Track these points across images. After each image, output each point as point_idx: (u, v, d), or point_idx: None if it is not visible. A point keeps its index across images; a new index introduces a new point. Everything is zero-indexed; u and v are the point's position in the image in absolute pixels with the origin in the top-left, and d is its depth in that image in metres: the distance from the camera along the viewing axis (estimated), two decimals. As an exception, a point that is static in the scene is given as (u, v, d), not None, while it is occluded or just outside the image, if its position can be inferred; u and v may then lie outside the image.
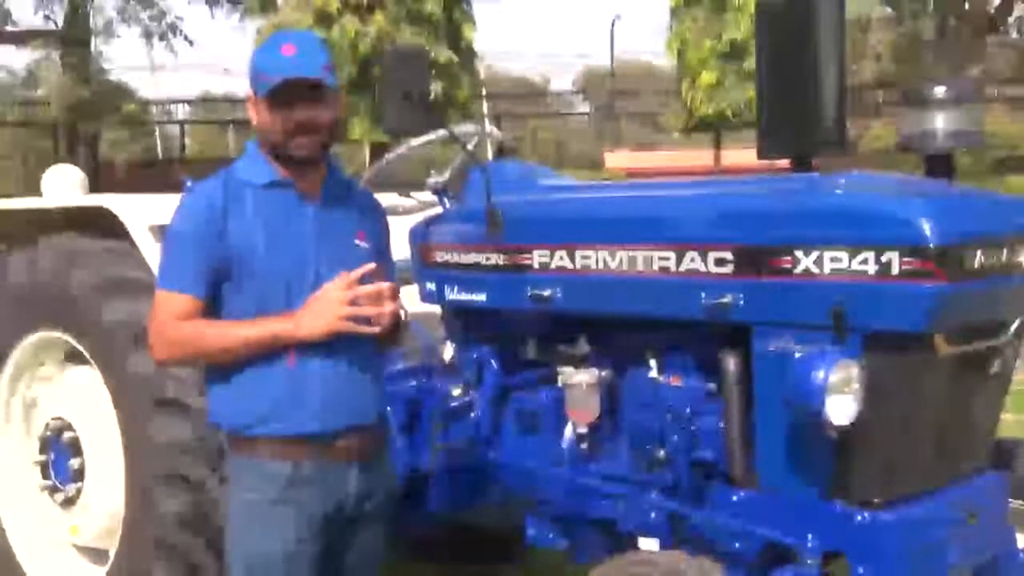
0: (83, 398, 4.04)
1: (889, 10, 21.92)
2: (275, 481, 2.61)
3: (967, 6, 19.85)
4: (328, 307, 2.55)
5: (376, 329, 2.59)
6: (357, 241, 2.72)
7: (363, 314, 2.57)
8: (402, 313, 2.70)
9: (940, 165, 3.16)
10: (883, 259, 2.59)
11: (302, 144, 2.59)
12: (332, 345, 2.60)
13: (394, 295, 2.63)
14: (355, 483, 2.69)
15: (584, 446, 3.26)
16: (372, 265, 2.61)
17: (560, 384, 3.27)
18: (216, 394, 2.69)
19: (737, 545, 2.84)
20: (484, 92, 24.51)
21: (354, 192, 2.84)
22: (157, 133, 29.05)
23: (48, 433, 4.13)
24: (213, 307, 2.62)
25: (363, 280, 2.60)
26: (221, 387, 2.67)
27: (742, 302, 2.83)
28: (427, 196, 3.86)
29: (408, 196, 3.98)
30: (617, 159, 22.39)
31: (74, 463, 4.02)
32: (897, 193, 2.80)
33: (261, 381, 2.60)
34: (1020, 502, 3.10)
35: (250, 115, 2.67)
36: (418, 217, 3.78)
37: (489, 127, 4.01)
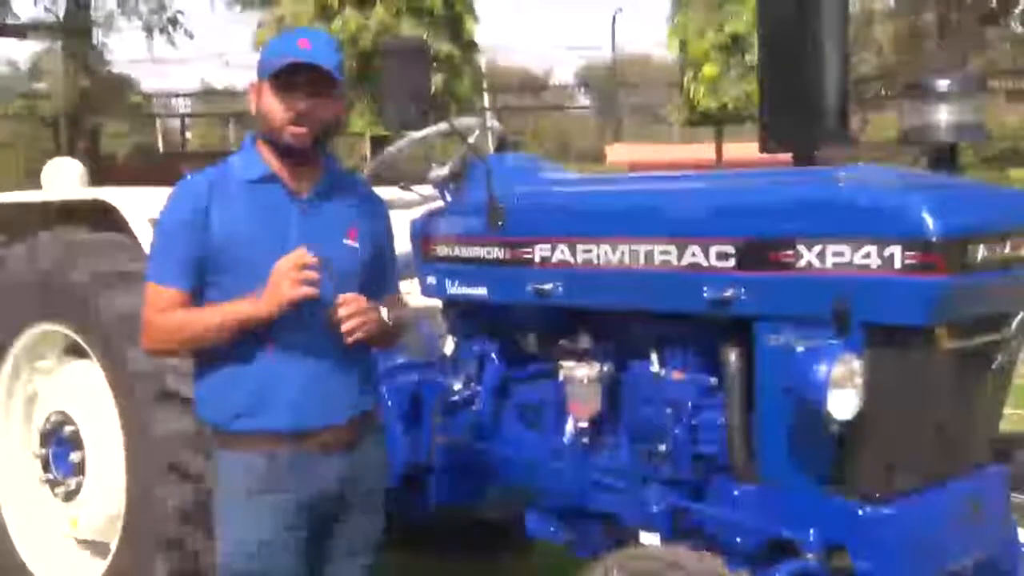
0: (83, 391, 4.04)
1: (891, 2, 21.92)
2: (255, 473, 2.64)
3: (970, -1, 19.83)
4: (280, 279, 2.53)
5: (351, 340, 2.60)
6: (347, 240, 2.71)
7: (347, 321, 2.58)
8: (392, 316, 2.71)
9: (943, 158, 3.16)
10: (886, 252, 2.58)
11: (297, 133, 2.59)
12: (311, 342, 2.62)
13: (374, 306, 2.64)
14: (337, 472, 2.71)
15: (585, 440, 3.25)
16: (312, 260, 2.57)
17: (561, 378, 3.26)
18: (200, 390, 2.73)
19: (739, 539, 2.84)
20: (485, 85, 24.50)
21: (353, 190, 2.82)
22: (158, 126, 29.06)
23: (48, 427, 4.13)
24: (200, 299, 2.63)
25: (353, 288, 2.63)
26: (204, 383, 2.71)
27: (744, 296, 2.82)
28: (428, 189, 3.85)
29: (409, 190, 3.97)
30: (618, 152, 22.38)
31: (74, 456, 4.02)
32: (900, 186, 2.80)
33: (239, 378, 2.63)
34: (1022, 496, 3.10)
35: (250, 100, 2.68)
36: (419, 211, 3.77)
37: (490, 120, 3.99)
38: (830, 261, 2.67)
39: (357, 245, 2.72)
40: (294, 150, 2.62)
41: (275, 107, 2.59)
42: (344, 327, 2.59)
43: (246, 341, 2.61)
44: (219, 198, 2.61)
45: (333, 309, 2.60)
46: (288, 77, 2.56)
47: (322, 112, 2.61)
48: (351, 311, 2.59)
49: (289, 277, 2.53)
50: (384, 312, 2.68)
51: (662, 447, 3.03)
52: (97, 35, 23.29)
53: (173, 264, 2.62)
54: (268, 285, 2.56)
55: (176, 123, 29.71)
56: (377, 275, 2.78)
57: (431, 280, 3.60)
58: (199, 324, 2.62)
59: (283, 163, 2.65)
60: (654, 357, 3.14)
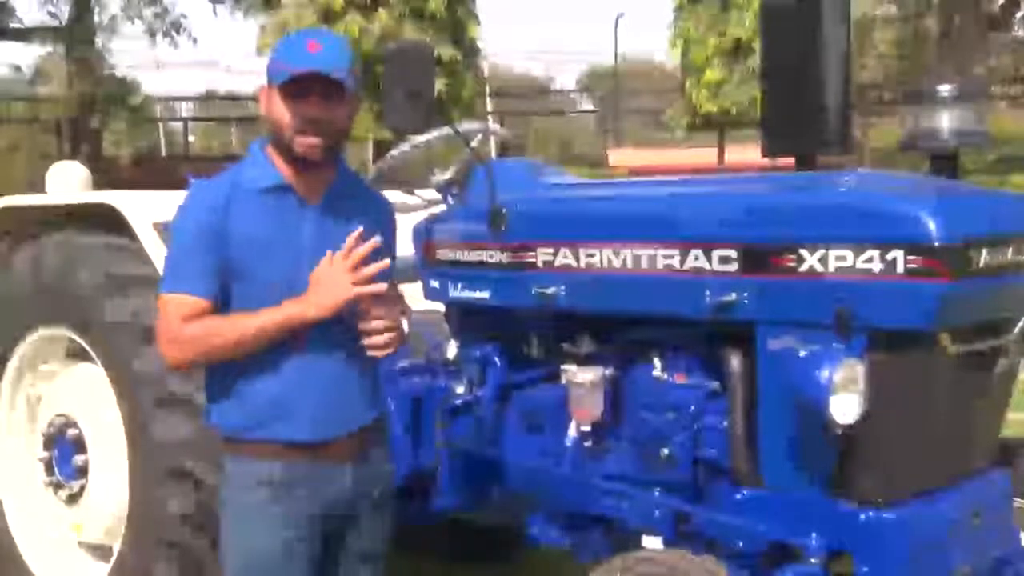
0: (87, 395, 4.05)
1: (894, 8, 21.92)
2: (267, 483, 2.60)
3: (972, 4, 19.82)
4: (335, 280, 2.51)
5: (388, 349, 2.60)
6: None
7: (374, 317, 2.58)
8: (404, 323, 2.70)
9: (945, 164, 3.16)
10: (888, 257, 2.58)
11: (309, 142, 2.54)
12: (331, 350, 2.59)
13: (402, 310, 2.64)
14: (349, 482, 2.69)
15: (588, 444, 3.25)
16: (386, 262, 2.59)
17: (564, 382, 3.26)
18: (212, 397, 2.68)
19: (741, 544, 2.84)
20: (488, 89, 24.52)
21: (363, 197, 2.78)
22: (161, 130, 29.06)
23: (52, 430, 4.13)
24: (221, 308, 2.57)
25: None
26: (217, 390, 2.66)
27: (746, 301, 2.83)
28: (431, 194, 3.86)
29: (412, 194, 3.97)
30: (621, 157, 22.37)
31: (78, 460, 4.03)
32: (902, 191, 2.80)
33: (255, 386, 2.59)
34: (1024, 501, 3.10)
35: (260, 106, 2.64)
36: (422, 215, 3.78)
37: (493, 125, 4.00)
38: (832, 266, 2.67)
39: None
40: (306, 159, 2.58)
41: (285, 115, 2.54)
42: (375, 340, 2.57)
43: (268, 350, 2.57)
44: (235, 207, 2.56)
45: (364, 317, 2.57)
46: (297, 84, 2.52)
47: (333, 118, 2.56)
48: (386, 324, 2.58)
49: (346, 280, 2.50)
50: (405, 324, 2.65)
51: (664, 451, 3.03)
52: (100, 40, 23.31)
53: (191, 272, 2.54)
54: (319, 284, 2.52)
55: (179, 127, 29.72)
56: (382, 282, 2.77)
57: (434, 284, 3.61)
58: (233, 330, 2.53)
59: (294, 170, 2.60)
60: (657, 361, 3.14)
